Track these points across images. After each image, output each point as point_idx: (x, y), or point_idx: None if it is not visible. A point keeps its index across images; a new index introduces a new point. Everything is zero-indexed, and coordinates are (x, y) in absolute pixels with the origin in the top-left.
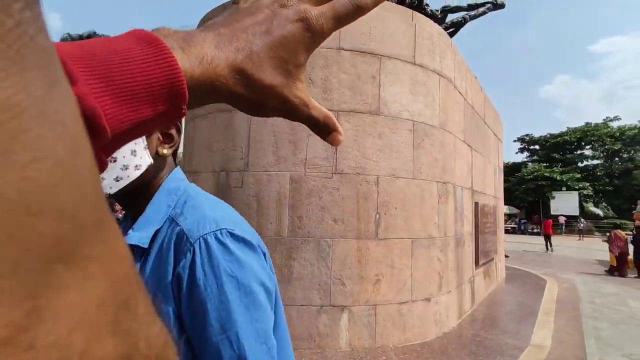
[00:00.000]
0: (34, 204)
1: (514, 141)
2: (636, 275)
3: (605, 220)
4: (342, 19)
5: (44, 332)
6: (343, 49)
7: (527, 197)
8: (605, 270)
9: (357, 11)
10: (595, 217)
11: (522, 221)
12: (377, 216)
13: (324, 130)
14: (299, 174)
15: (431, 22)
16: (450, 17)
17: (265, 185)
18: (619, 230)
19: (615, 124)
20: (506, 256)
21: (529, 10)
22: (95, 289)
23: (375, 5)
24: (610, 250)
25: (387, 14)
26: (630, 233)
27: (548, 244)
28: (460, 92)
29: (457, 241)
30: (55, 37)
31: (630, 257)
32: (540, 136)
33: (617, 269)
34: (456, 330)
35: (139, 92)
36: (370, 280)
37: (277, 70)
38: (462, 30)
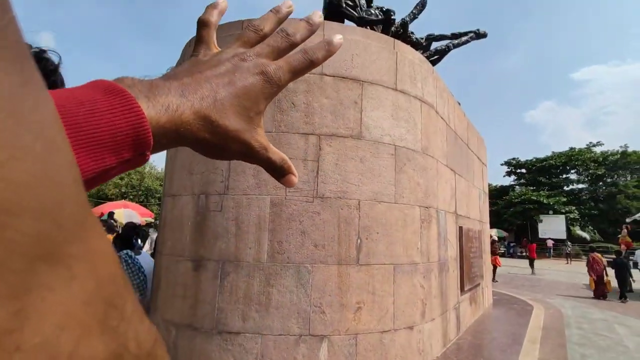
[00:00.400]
0: (13, 204)
1: (501, 164)
2: (618, 297)
3: (592, 244)
4: (297, 72)
5: (30, 333)
6: (325, 75)
7: (515, 220)
8: (592, 297)
9: (310, 65)
10: (582, 240)
11: (511, 244)
12: (359, 241)
13: (280, 172)
14: (280, 197)
15: (412, 50)
16: (435, 45)
17: (245, 209)
18: (597, 254)
19: (598, 149)
20: (495, 280)
21: (516, 39)
22: (81, 288)
23: (325, 59)
24: (589, 274)
25: (369, 42)
26: (613, 256)
27: (532, 266)
28: (442, 118)
29: (440, 267)
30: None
31: (608, 278)
32: (527, 160)
33: (597, 291)
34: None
35: (104, 142)
36: (351, 308)
37: (239, 117)
38: (451, 56)
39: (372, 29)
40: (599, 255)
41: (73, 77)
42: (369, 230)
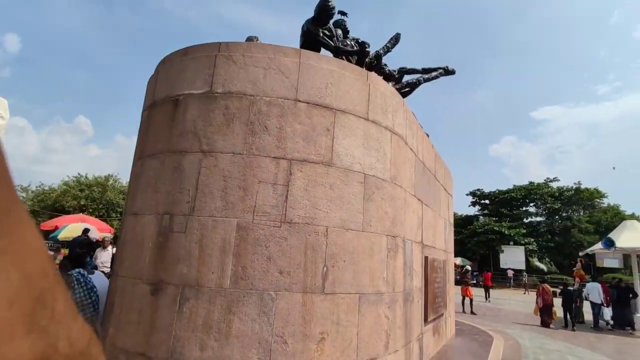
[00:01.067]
0: None
1: (467, 195)
2: (563, 325)
3: (548, 275)
4: None
5: None
6: (299, 101)
7: (479, 249)
8: (537, 324)
9: None
10: (540, 271)
11: (475, 273)
12: (325, 269)
13: None
14: (247, 221)
15: (385, 82)
16: (406, 78)
17: (210, 232)
18: (547, 285)
19: (554, 185)
20: (473, 313)
21: (483, 76)
22: (6, 285)
23: None
24: (536, 302)
25: (344, 72)
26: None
27: (487, 294)
28: (411, 149)
29: (405, 297)
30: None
31: (554, 309)
32: (490, 191)
33: (543, 320)
34: None
35: None
36: (314, 339)
37: None
38: (422, 89)
39: (347, 59)
40: (549, 286)
41: (42, 85)
42: (336, 258)
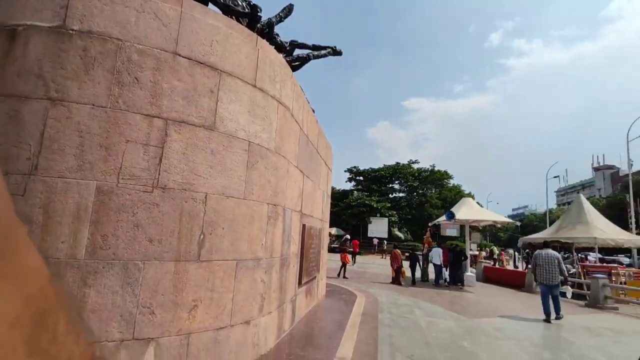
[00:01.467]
0: None
1: (345, 171)
2: (411, 283)
3: (405, 243)
4: None
5: None
6: (180, 55)
7: (352, 220)
8: (390, 282)
9: None
10: (399, 239)
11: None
12: (202, 236)
13: None
14: (110, 184)
15: (275, 51)
16: (297, 52)
17: (59, 195)
18: (398, 250)
19: (415, 166)
20: (345, 277)
21: (364, 63)
22: (6, 307)
23: None
24: (391, 265)
25: (232, 32)
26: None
27: (354, 259)
28: (297, 121)
29: (282, 262)
30: None
31: (403, 269)
32: (364, 169)
33: (395, 279)
34: (273, 351)
35: None
36: (186, 307)
37: None
38: (310, 66)
39: (237, 20)
40: (399, 251)
41: None
42: (214, 225)
